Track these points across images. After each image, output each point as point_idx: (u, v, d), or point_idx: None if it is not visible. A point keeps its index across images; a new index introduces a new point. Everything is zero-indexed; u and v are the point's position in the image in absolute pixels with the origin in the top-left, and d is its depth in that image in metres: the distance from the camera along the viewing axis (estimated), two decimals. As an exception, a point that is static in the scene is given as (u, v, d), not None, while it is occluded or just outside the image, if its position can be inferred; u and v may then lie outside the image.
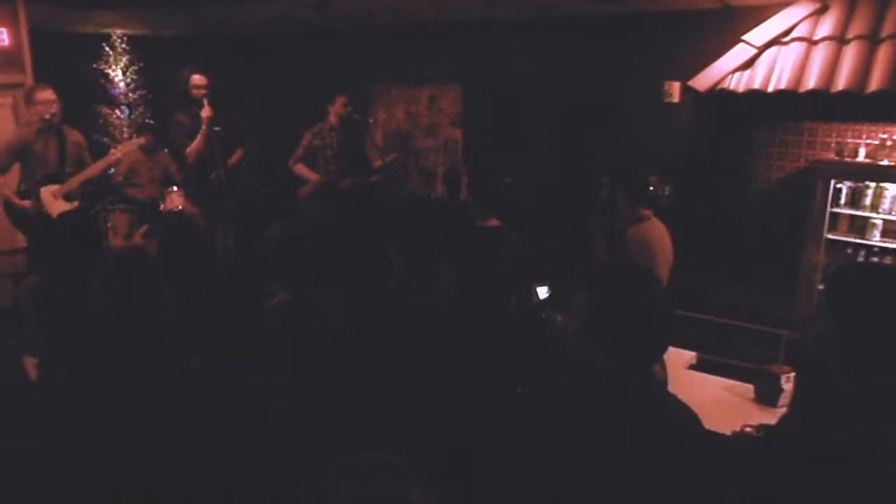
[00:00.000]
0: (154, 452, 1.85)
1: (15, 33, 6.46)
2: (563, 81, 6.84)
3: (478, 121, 7.63)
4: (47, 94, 5.09)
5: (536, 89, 7.02)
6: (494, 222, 3.66)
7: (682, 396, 1.71)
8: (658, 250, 3.71)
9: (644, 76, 6.37)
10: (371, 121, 6.99)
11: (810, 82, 5.14)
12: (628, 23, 6.45)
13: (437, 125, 8.04)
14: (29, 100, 5.13)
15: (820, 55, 5.22)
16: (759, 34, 5.55)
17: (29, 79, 6.53)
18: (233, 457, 1.85)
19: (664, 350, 1.67)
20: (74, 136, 5.35)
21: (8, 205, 5.13)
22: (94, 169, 5.30)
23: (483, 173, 3.87)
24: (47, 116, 5.05)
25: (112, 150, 5.65)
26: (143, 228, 5.94)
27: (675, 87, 6.23)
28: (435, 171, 7.97)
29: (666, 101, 6.31)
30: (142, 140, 6.09)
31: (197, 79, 5.98)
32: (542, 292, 2.78)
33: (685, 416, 1.67)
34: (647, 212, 3.78)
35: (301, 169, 6.14)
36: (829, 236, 5.46)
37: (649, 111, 6.37)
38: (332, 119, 6.13)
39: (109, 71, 8.53)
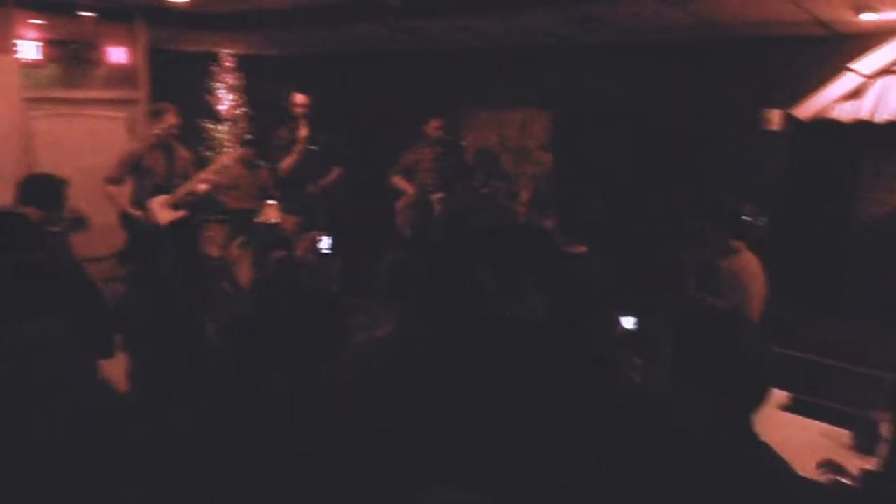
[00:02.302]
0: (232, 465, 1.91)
1: (133, 52, 6.92)
2: (655, 107, 6.71)
3: (567, 146, 7.60)
4: (175, 118, 5.53)
5: (627, 114, 6.93)
6: (580, 248, 3.64)
7: (772, 438, 1.64)
8: (750, 283, 3.58)
9: (741, 103, 6.19)
10: (464, 143, 7.26)
11: (923, 113, 4.88)
12: (724, 49, 6.29)
13: (526, 149, 8.04)
14: (157, 117, 5.53)
15: (935, 85, 4.95)
16: (869, 62, 5.31)
17: (144, 95, 6.96)
18: (305, 476, 1.89)
19: (763, 397, 1.58)
20: (181, 151, 5.71)
21: (124, 215, 5.50)
22: (198, 180, 5.63)
23: (571, 198, 3.86)
24: (165, 136, 5.48)
25: (213, 163, 6.00)
26: (240, 239, 6.23)
27: (776, 114, 6.02)
28: (522, 194, 7.96)
29: (765, 128, 6.11)
30: (239, 153, 6.40)
31: (298, 97, 6.32)
32: (629, 323, 2.73)
33: (779, 468, 1.59)
34: (739, 244, 3.67)
35: (398, 181, 6.59)
36: (941, 276, 5.13)
37: (746, 139, 6.18)
38: (427, 137, 6.54)
39: (216, 88, 8.97)
